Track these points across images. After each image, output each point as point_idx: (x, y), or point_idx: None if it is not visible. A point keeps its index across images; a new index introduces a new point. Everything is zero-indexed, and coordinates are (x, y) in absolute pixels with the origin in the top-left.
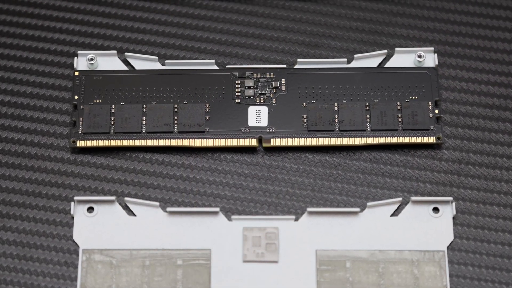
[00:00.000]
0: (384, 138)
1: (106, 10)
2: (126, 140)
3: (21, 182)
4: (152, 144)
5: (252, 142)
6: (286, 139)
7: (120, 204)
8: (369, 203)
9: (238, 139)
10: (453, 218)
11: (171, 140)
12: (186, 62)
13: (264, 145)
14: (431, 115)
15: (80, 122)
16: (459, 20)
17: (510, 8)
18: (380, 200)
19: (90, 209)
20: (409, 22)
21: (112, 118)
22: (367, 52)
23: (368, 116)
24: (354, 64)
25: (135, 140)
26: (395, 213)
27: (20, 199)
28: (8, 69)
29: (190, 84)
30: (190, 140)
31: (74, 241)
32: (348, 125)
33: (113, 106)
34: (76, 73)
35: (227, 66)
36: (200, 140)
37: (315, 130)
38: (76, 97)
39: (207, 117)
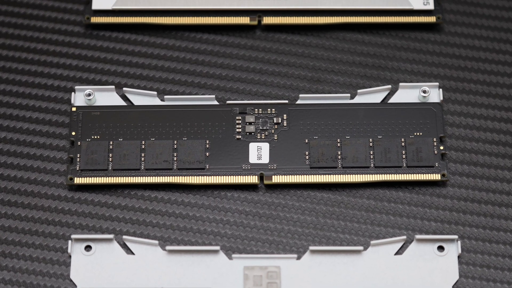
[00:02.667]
0: (388, 175)
1: (104, 44)
2: (124, 177)
3: (17, 220)
4: (151, 181)
5: (253, 179)
6: (288, 176)
7: (118, 242)
8: (372, 242)
9: (239, 176)
10: (459, 256)
11: (171, 177)
12: (185, 97)
13: (266, 182)
14: (436, 152)
15: (78, 159)
16: (464, 55)
17: None
18: (384, 238)
19: (88, 248)
20: (413, 57)
21: (110, 155)
22: (370, 87)
23: (371, 152)
24: (357, 99)
25: (134, 177)
26: (399, 252)
27: (16, 238)
28: (3, 104)
29: (190, 120)
30: (190, 177)
31: (71, 281)
32: (351, 162)
33: (111, 143)
34: (74, 109)
35: (228, 102)
36: (200, 177)
37: (317, 167)
38: (73, 133)
39: (207, 154)
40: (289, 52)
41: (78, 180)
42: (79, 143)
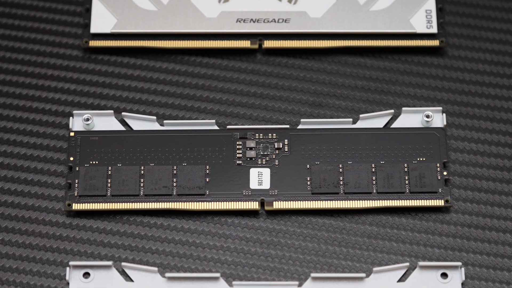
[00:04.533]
0: (390, 201)
1: (102, 68)
2: (123, 203)
3: (15, 247)
4: (151, 207)
5: (254, 205)
6: (289, 202)
7: (117, 269)
8: (375, 268)
9: (240, 202)
10: (462, 284)
11: (170, 203)
12: (185, 122)
13: (266, 208)
14: (439, 177)
15: (76, 184)
16: (468, 79)
17: None
18: (386, 265)
19: (86, 275)
20: (416, 81)
21: (109, 181)
22: (373, 112)
23: (374, 178)
24: (360, 124)
25: (133, 203)
26: (402, 279)
27: (13, 264)
28: (1, 129)
29: (190, 145)
30: (190, 203)
31: None
32: (353, 187)
33: (110, 168)
34: (72, 134)
35: (228, 127)
36: (200, 203)
37: (319, 192)
38: (71, 158)
39: (207, 179)
40: (290, 76)
41: (76, 206)
42: (77, 168)
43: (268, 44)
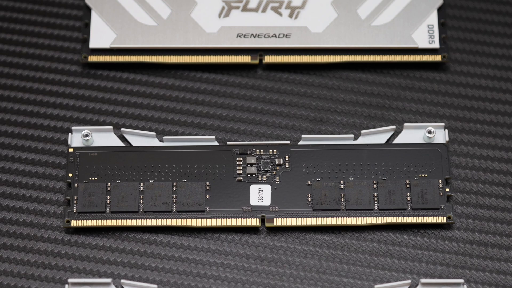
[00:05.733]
0: (392, 217)
1: (101, 84)
2: (122, 220)
3: (13, 264)
4: (150, 224)
5: (255, 222)
6: (290, 218)
7: (116, 286)
8: (376, 286)
9: (240, 219)
10: None
11: (170, 219)
12: (185, 138)
13: (267, 225)
14: (441, 194)
15: (75, 201)
16: (471, 95)
17: None
18: (388, 282)
19: None
20: (418, 97)
21: (108, 197)
22: (374, 127)
23: (375, 194)
24: (361, 140)
25: (132, 220)
26: None
27: (12, 281)
28: None
29: (190, 161)
30: (190, 219)
31: None
32: (354, 204)
33: (109, 184)
34: (70, 150)
35: (228, 143)
36: (200, 219)
37: (320, 209)
38: (70, 174)
39: (207, 196)
40: (291, 92)
41: (75, 223)
42: (76, 185)
43: (268, 59)
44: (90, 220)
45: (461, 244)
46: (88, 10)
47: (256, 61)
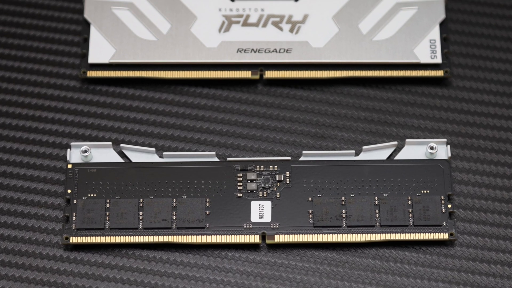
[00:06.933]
0: (394, 234)
1: (100, 99)
2: (122, 237)
3: (11, 281)
4: (150, 240)
5: (255, 238)
6: (290, 235)
7: None
8: None
9: (240, 236)
10: None
11: (170, 236)
12: (185, 154)
13: (268, 241)
14: (443, 210)
15: (73, 217)
16: (473, 110)
17: None
18: None
19: None
20: (420, 112)
21: (107, 213)
22: (376, 143)
23: (377, 211)
24: (363, 156)
25: (132, 237)
26: None
27: None
28: None
29: (190, 177)
30: (190, 236)
31: None
32: (356, 220)
33: (108, 201)
34: (69, 166)
35: (229, 159)
36: (200, 236)
37: (321, 226)
38: (69, 191)
39: (207, 212)
40: (292, 107)
41: (74, 240)
42: (75, 201)
43: (269, 74)
44: (89, 237)
45: (463, 261)
46: (87, 24)
47: (257, 76)
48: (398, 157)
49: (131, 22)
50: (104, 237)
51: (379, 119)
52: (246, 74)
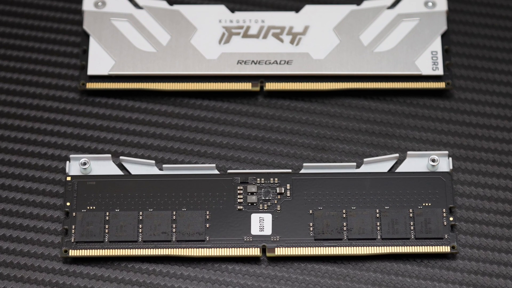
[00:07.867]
0: (395, 247)
1: (100, 111)
2: (121, 250)
3: None
4: (149, 253)
5: (255, 251)
6: (291, 248)
7: None
8: None
9: (240, 249)
10: None
11: (169, 249)
12: (185, 166)
13: (268, 254)
14: (445, 223)
15: (73, 230)
16: (475, 122)
17: None
18: None
19: None
20: (422, 124)
21: (107, 226)
22: (377, 156)
23: (378, 224)
24: (364, 168)
25: (131, 250)
26: None
27: None
28: None
29: (189, 190)
30: (190, 249)
31: None
32: (357, 233)
33: (107, 214)
34: (68, 178)
35: (229, 171)
36: (200, 249)
37: (322, 239)
38: (68, 203)
39: (208, 225)
40: (293, 119)
41: (73, 253)
42: (74, 214)
43: (269, 86)
44: (88, 250)
45: (465, 274)
46: (86, 36)
47: (257, 88)
48: (400, 169)
49: (130, 34)
50: (103, 250)
51: (380, 131)
52: (247, 86)
